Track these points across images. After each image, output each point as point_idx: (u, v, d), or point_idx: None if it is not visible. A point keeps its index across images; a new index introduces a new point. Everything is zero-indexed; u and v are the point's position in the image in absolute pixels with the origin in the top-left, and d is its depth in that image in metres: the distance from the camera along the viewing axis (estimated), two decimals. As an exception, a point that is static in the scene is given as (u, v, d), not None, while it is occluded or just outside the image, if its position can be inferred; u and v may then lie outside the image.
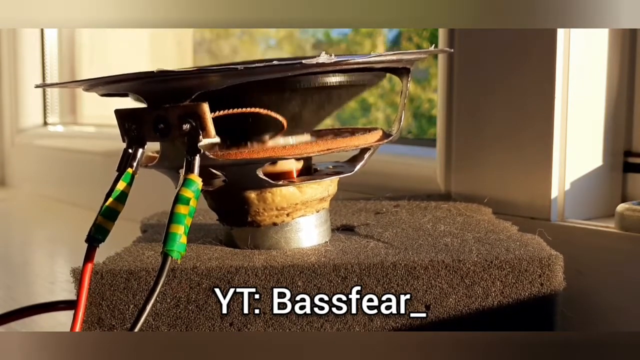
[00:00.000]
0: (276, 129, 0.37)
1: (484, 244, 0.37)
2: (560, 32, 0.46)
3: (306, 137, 0.39)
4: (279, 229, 0.38)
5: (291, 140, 0.38)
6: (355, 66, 0.35)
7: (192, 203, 0.32)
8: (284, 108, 0.36)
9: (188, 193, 0.32)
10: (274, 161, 0.37)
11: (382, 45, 1.07)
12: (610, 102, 0.49)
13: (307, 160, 0.39)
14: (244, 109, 0.34)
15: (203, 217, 0.47)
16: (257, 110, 0.35)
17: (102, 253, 0.36)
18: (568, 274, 0.36)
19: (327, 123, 0.42)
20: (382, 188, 0.60)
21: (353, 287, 0.35)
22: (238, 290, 0.35)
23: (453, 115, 0.54)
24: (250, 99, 0.35)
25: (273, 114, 0.35)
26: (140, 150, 0.35)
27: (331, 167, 0.41)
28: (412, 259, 0.35)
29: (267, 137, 0.37)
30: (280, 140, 0.38)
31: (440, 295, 0.35)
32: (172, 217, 0.32)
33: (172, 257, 0.32)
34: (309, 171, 0.39)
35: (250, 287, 0.35)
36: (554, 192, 0.48)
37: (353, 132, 0.41)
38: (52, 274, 0.78)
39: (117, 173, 0.35)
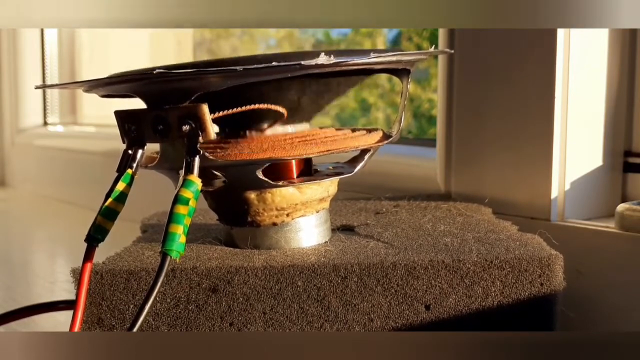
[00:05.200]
0: (275, 117, 0.37)
1: (484, 243, 0.37)
2: (560, 32, 0.46)
3: (305, 126, 0.39)
4: (279, 229, 0.38)
5: (290, 129, 0.38)
6: (355, 67, 0.35)
7: (192, 203, 0.32)
8: (283, 96, 0.36)
9: (187, 193, 0.32)
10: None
11: (382, 45, 1.07)
12: (610, 102, 0.49)
13: (308, 161, 0.39)
14: (243, 107, 0.34)
15: (203, 217, 0.47)
16: (257, 106, 0.35)
17: (102, 253, 0.36)
18: (568, 274, 0.36)
19: (327, 123, 0.42)
20: (382, 188, 0.60)
21: (353, 287, 0.35)
22: (238, 290, 0.35)
23: (453, 115, 0.54)
24: (249, 88, 0.35)
25: (273, 107, 0.35)
26: (140, 151, 0.35)
27: (331, 167, 0.41)
28: (412, 259, 0.35)
29: (265, 125, 0.37)
30: (279, 129, 0.38)
31: (440, 295, 0.35)
32: (171, 217, 0.32)
33: (171, 257, 0.32)
34: (309, 172, 0.39)
35: (250, 287, 0.35)
36: (554, 192, 0.48)
37: (353, 132, 0.41)
38: (52, 274, 0.78)
39: (117, 173, 0.35)
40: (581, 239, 0.46)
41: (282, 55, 0.33)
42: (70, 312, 0.34)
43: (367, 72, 0.37)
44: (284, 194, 0.37)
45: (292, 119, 0.38)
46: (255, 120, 0.37)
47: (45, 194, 1.30)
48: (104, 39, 1.37)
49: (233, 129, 0.38)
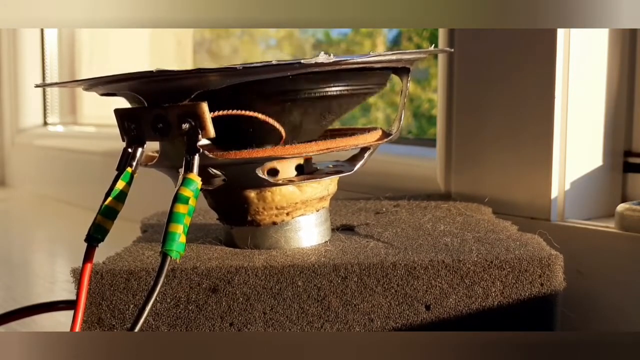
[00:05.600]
0: (276, 141, 0.36)
1: (484, 243, 0.37)
2: (560, 32, 0.46)
3: None
4: (279, 228, 0.38)
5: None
6: (355, 66, 0.35)
7: (192, 202, 0.32)
8: (285, 118, 0.36)
9: (187, 192, 0.32)
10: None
11: (382, 45, 1.07)
12: (610, 102, 0.49)
13: (307, 159, 0.39)
14: (242, 112, 0.34)
15: (203, 217, 0.47)
16: (255, 114, 0.35)
17: (102, 253, 0.36)
18: (568, 274, 0.36)
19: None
20: (382, 188, 0.60)
21: (353, 287, 0.35)
22: (238, 290, 0.35)
23: (453, 115, 0.54)
24: (252, 109, 0.35)
25: (271, 121, 0.35)
26: (140, 150, 0.35)
27: (331, 166, 0.41)
28: (412, 259, 0.35)
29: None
30: None
31: (440, 295, 0.35)
32: (171, 217, 0.32)
33: (171, 257, 0.32)
34: (309, 170, 0.39)
35: (250, 287, 0.35)
36: (554, 192, 0.48)
37: (353, 131, 0.41)
38: (52, 274, 0.78)
39: (116, 173, 0.35)
40: (581, 239, 0.46)
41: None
42: (70, 312, 0.34)
43: (367, 70, 0.37)
44: (284, 193, 0.37)
45: (293, 142, 0.37)
46: (256, 145, 0.37)
47: (45, 194, 1.30)
48: (104, 39, 1.37)
49: (233, 134, 0.37)
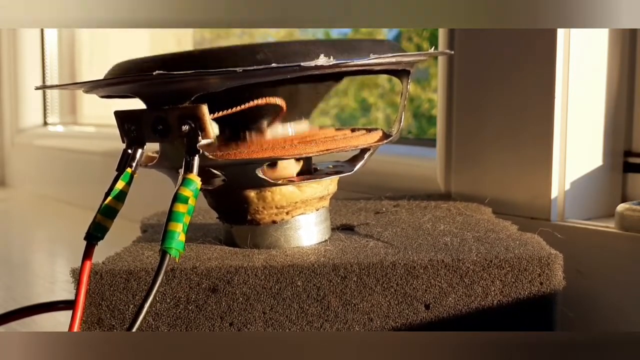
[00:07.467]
0: (274, 114, 0.36)
1: (484, 243, 0.37)
2: (560, 32, 0.46)
3: (304, 125, 0.39)
4: (279, 227, 0.38)
5: (289, 129, 0.38)
6: (355, 68, 0.35)
7: (191, 202, 0.32)
8: (280, 86, 0.36)
9: (187, 192, 0.32)
10: (273, 163, 0.37)
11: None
12: (610, 102, 0.49)
13: (307, 160, 0.39)
14: (243, 106, 0.34)
15: (203, 216, 0.47)
16: (255, 102, 0.35)
17: (102, 253, 0.36)
18: (568, 274, 0.36)
19: (327, 123, 0.41)
20: (382, 188, 0.60)
21: (353, 286, 0.35)
22: (238, 289, 0.35)
23: (453, 115, 0.54)
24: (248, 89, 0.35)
25: (272, 100, 0.35)
26: (140, 151, 0.35)
27: (331, 166, 0.41)
28: (412, 259, 0.35)
29: (265, 124, 0.37)
30: (279, 129, 0.38)
31: (439, 295, 0.35)
32: (171, 216, 0.32)
33: (170, 255, 0.32)
34: (309, 170, 0.39)
35: (250, 287, 0.35)
36: (554, 192, 0.48)
37: (353, 132, 0.41)
38: (52, 274, 0.78)
39: (116, 173, 0.35)
40: (581, 239, 0.46)
41: (280, 45, 0.33)
42: (70, 312, 0.34)
43: (367, 72, 0.37)
44: (284, 192, 0.37)
45: (290, 113, 0.37)
46: (254, 120, 0.37)
47: (45, 194, 1.30)
48: (104, 39, 1.37)
49: (233, 130, 0.37)
